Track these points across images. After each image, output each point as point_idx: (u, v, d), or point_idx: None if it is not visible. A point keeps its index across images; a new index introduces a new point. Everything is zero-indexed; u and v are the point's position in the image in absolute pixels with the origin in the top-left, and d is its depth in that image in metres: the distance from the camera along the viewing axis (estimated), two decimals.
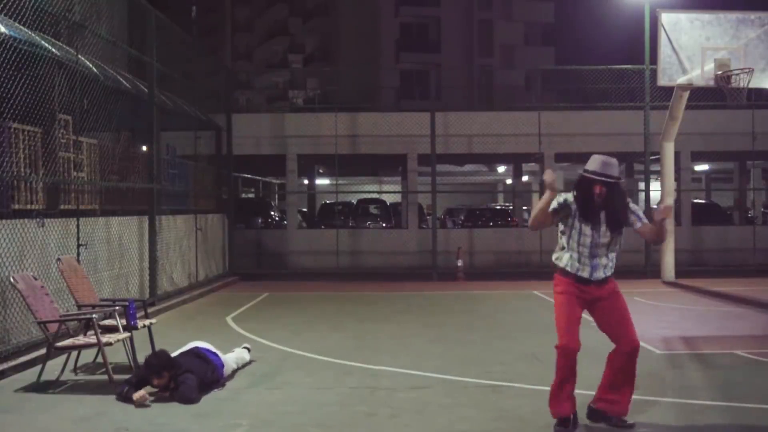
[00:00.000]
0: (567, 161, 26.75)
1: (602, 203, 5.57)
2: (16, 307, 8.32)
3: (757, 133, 19.91)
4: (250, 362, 8.12)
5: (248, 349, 8.29)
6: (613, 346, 5.75)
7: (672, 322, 10.93)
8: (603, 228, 5.63)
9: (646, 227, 5.75)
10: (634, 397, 6.29)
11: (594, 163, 5.60)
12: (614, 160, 5.62)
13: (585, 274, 5.65)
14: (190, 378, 6.62)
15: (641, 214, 5.71)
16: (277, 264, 20.31)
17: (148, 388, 6.62)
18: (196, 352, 7.11)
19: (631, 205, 5.74)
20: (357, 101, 24.22)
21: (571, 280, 5.70)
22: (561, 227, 5.83)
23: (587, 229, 5.65)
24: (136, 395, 6.47)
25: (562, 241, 5.82)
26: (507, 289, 15.91)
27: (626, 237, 5.90)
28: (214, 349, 7.35)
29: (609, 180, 5.51)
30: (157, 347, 8.35)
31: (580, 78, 21.24)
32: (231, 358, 7.68)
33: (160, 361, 6.65)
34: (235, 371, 7.66)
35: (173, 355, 6.96)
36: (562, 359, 5.60)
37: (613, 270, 5.75)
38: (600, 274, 5.65)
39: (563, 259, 5.77)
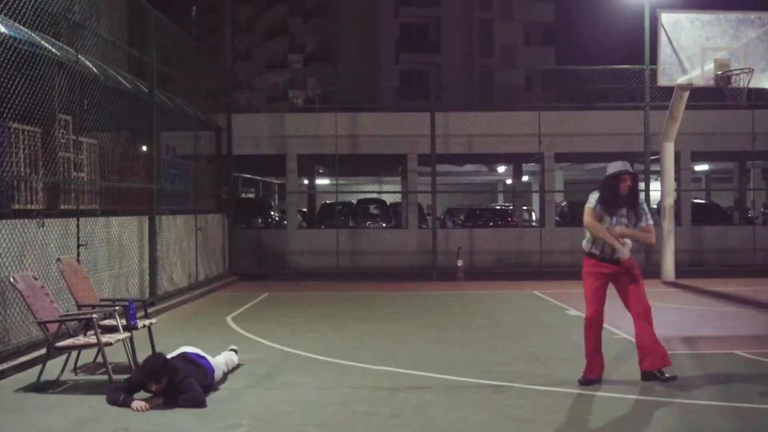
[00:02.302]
0: (567, 161, 26.76)
1: (626, 195, 7.04)
2: (16, 307, 8.32)
3: (757, 133, 19.92)
4: (238, 365, 7.94)
5: (235, 351, 8.06)
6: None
7: (672, 322, 10.93)
8: (624, 219, 7.08)
9: (642, 230, 7.20)
10: (635, 397, 6.34)
11: (615, 167, 7.14)
12: (626, 163, 7.22)
13: (607, 255, 7.09)
14: (194, 383, 6.50)
15: (648, 217, 7.16)
16: (277, 264, 20.30)
17: (142, 394, 6.48)
18: (186, 357, 6.90)
19: (644, 204, 7.22)
20: (357, 101, 24.21)
21: (596, 260, 7.15)
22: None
23: (606, 219, 7.07)
24: (136, 405, 6.33)
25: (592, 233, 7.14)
26: (507, 289, 15.91)
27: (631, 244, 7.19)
28: (202, 353, 7.17)
29: (631, 172, 7.09)
30: (157, 347, 8.36)
31: (580, 78, 21.23)
32: (220, 361, 7.44)
33: (159, 366, 6.43)
34: (225, 374, 7.49)
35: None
36: (595, 328, 7.05)
37: (629, 253, 7.13)
38: (623, 254, 7.06)
39: (596, 245, 7.12)
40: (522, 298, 14.51)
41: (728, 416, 6.15)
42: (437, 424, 5.98)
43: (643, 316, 7.10)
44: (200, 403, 6.40)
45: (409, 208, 22.20)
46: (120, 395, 6.50)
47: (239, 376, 7.67)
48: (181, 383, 6.44)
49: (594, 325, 7.08)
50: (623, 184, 7.06)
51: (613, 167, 7.21)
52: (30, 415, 6.36)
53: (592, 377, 7.10)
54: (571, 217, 25.62)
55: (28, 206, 9.23)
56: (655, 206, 18.96)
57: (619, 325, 9.47)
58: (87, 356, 8.19)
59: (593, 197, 7.19)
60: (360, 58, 43.79)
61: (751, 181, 28.13)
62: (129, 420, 6.08)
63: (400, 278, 18.44)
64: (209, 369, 7.00)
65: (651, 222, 7.20)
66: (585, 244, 7.27)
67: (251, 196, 35.81)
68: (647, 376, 7.16)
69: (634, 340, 7.36)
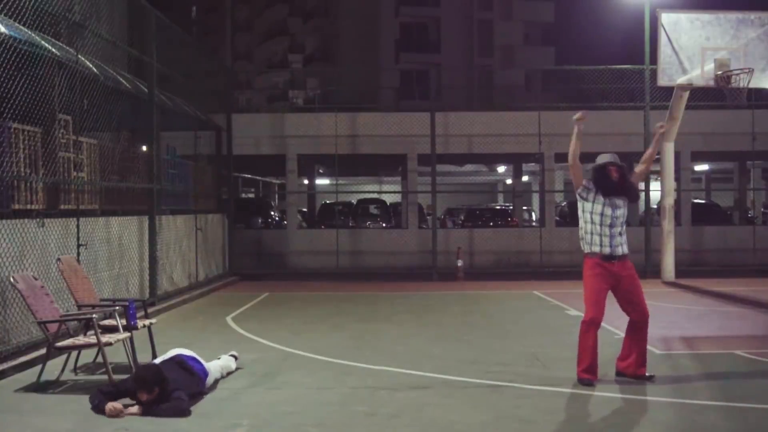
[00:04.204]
0: (567, 161, 26.76)
1: (617, 183, 7.21)
2: (16, 307, 8.32)
3: (757, 133, 19.92)
4: (235, 370, 7.77)
5: (235, 357, 7.90)
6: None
7: (672, 322, 10.93)
8: (619, 206, 7.23)
9: (640, 167, 7.83)
10: (635, 397, 6.34)
11: (604, 158, 7.39)
12: (615, 155, 7.47)
13: (607, 250, 7.13)
14: (183, 395, 6.30)
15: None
16: (277, 264, 20.30)
17: (126, 400, 6.27)
18: (179, 362, 6.71)
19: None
20: (357, 101, 24.21)
21: (598, 259, 7.16)
22: (584, 215, 7.33)
23: (608, 209, 7.19)
24: (109, 406, 6.13)
25: (586, 227, 7.29)
26: (507, 289, 15.91)
27: (626, 237, 7.30)
28: (198, 357, 6.99)
29: (619, 164, 7.30)
30: (157, 347, 8.37)
31: (580, 78, 21.23)
32: (215, 366, 7.31)
33: (153, 376, 6.24)
34: (217, 381, 7.27)
35: (156, 362, 6.68)
36: (592, 330, 7.03)
37: (627, 249, 7.26)
38: (619, 251, 7.17)
39: (593, 241, 7.20)
40: (522, 298, 14.51)
41: (728, 416, 6.15)
42: (437, 424, 5.99)
43: (641, 325, 7.22)
44: (180, 413, 6.15)
45: (409, 208, 22.21)
46: (97, 399, 6.27)
47: (239, 376, 7.67)
48: (170, 395, 6.23)
49: (594, 327, 7.07)
50: (611, 174, 7.24)
51: (601, 158, 7.42)
52: (30, 415, 6.36)
53: (593, 378, 7.11)
54: (571, 217, 25.61)
55: (28, 206, 9.22)
56: (655, 206, 18.99)
57: (619, 325, 9.44)
58: (87, 356, 8.19)
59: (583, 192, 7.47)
60: (360, 58, 43.79)
61: (751, 181, 28.14)
62: (129, 420, 6.07)
63: (400, 278, 18.45)
64: (202, 375, 6.79)
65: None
66: (582, 245, 7.34)
67: (251, 196, 35.81)
68: (621, 374, 7.32)
69: (623, 336, 7.43)
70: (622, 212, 7.26)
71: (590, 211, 7.27)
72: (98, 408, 6.23)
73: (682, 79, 15.73)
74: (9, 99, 8.53)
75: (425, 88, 34.99)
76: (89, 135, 11.08)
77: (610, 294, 7.25)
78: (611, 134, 20.52)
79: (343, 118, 20.50)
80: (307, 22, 55.63)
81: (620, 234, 7.22)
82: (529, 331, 10.47)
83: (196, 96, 17.18)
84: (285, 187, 23.99)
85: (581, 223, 7.37)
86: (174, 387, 6.32)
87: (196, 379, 6.71)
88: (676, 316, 11.68)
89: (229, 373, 7.64)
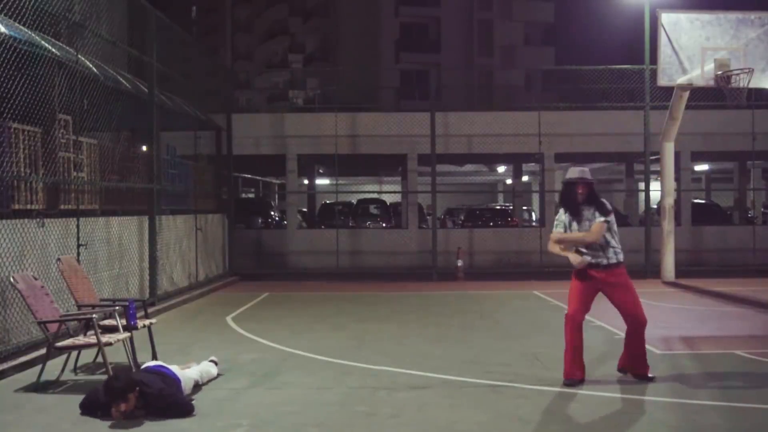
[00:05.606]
0: (567, 161, 26.76)
1: (584, 200, 7.18)
2: (16, 307, 8.32)
3: (757, 133, 19.91)
4: (217, 376, 7.55)
5: (215, 363, 7.72)
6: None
7: (672, 322, 10.94)
8: (586, 223, 7.17)
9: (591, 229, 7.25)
10: (635, 397, 6.34)
11: (573, 173, 7.28)
12: (586, 168, 7.41)
13: (588, 258, 7.12)
14: (172, 392, 6.21)
15: (598, 216, 7.12)
16: (277, 264, 20.30)
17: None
18: (148, 371, 6.53)
19: (604, 200, 7.29)
20: (357, 101, 24.21)
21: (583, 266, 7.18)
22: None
23: (574, 224, 7.22)
24: (122, 408, 6.01)
25: None
26: (507, 289, 15.91)
27: (626, 237, 7.30)
28: (163, 364, 6.80)
29: (587, 180, 7.20)
30: (157, 347, 8.38)
31: (580, 78, 21.23)
32: (193, 372, 7.12)
33: (123, 383, 6.03)
34: (199, 385, 7.12)
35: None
36: (570, 325, 7.11)
37: (616, 258, 7.17)
38: (603, 262, 7.13)
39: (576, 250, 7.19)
40: (522, 298, 14.51)
41: (728, 416, 6.15)
42: (437, 424, 5.99)
43: (638, 331, 7.20)
44: (188, 412, 6.16)
45: (409, 208, 22.20)
46: (97, 413, 6.13)
47: (239, 376, 7.67)
48: (158, 397, 6.11)
49: (571, 322, 7.09)
50: (576, 192, 7.20)
51: (570, 173, 7.33)
52: (30, 415, 6.36)
53: (575, 378, 7.08)
54: None
55: (28, 206, 9.23)
56: (655, 206, 18.98)
57: (620, 325, 9.45)
58: (87, 356, 8.19)
59: (557, 218, 7.42)
60: (360, 58, 43.80)
61: (751, 181, 28.12)
62: (129, 420, 6.07)
63: (400, 278, 18.44)
64: (175, 378, 6.60)
65: (599, 220, 7.08)
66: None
67: (251, 196, 35.80)
68: (624, 370, 7.44)
69: (623, 336, 7.49)
70: (590, 225, 7.14)
71: (564, 223, 7.33)
72: (106, 413, 6.09)
73: (682, 79, 15.73)
74: (9, 99, 8.53)
75: (425, 88, 35.03)
76: (89, 135, 11.08)
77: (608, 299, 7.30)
78: (611, 134, 20.57)
79: (343, 118, 20.50)
80: (307, 21, 55.65)
81: (601, 247, 7.10)
82: (529, 331, 10.47)
83: (196, 96, 17.18)
84: (285, 187, 23.99)
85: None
86: (157, 387, 6.17)
87: (170, 381, 6.48)
88: (676, 316, 11.68)
89: (210, 379, 7.43)
